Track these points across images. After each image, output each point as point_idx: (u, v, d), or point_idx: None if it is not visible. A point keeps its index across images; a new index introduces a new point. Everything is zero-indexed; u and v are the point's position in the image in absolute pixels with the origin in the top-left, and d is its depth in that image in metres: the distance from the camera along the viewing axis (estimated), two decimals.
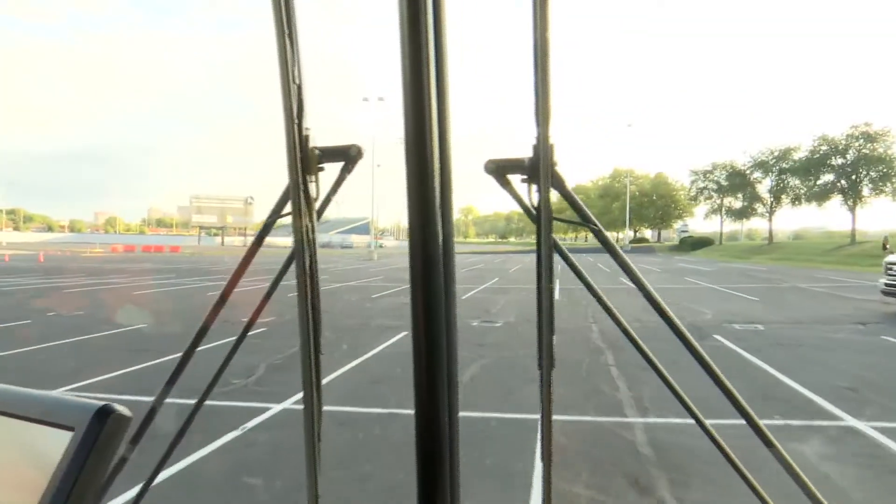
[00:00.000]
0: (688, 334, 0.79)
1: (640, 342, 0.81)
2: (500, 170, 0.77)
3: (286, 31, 0.72)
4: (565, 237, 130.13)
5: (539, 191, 0.73)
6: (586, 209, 0.78)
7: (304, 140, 0.77)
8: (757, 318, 12.30)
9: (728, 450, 0.80)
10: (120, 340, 9.68)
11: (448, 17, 0.70)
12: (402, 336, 9.91)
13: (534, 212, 0.74)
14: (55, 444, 0.64)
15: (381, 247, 64.55)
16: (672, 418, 5.39)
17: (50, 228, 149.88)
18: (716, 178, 69.15)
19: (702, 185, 71.14)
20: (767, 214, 63.37)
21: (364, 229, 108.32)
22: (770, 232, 63.87)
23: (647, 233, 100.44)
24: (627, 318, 0.81)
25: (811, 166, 54.87)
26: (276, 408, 5.82)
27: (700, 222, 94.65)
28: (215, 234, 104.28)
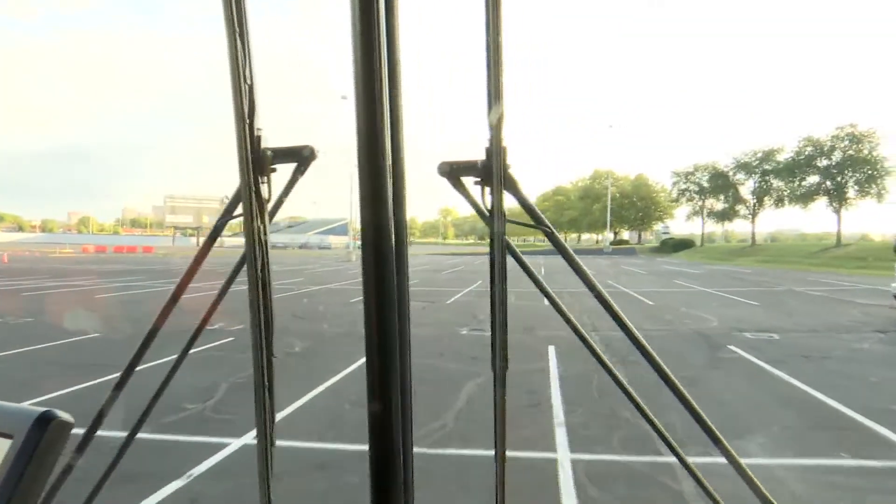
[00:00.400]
0: (644, 341, 0.77)
1: (597, 349, 0.79)
2: (453, 172, 0.77)
3: (237, 31, 0.70)
4: (544, 238, 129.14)
5: (492, 193, 0.74)
6: (538, 211, 0.78)
7: (255, 141, 0.75)
8: (767, 326, 11.48)
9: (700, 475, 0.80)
10: (65, 352, 8.49)
11: (401, 18, 0.69)
12: None
13: (487, 214, 0.75)
14: None
15: (359, 247, 62.96)
16: (721, 458, 4.44)
17: (21, 228, 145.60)
18: (697, 180, 69.00)
19: (683, 186, 70.96)
20: (750, 216, 63.30)
21: (342, 230, 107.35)
22: (753, 234, 63.83)
23: (625, 234, 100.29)
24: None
25: (796, 168, 54.70)
26: (234, 444, 4.76)
27: (680, 224, 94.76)
28: (191, 235, 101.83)
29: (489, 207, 0.75)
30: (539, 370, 7.48)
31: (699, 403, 0.76)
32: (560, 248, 0.80)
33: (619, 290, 20.03)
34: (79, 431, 0.73)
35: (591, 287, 0.79)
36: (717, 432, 0.77)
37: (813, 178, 53.96)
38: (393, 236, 0.71)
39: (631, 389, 0.80)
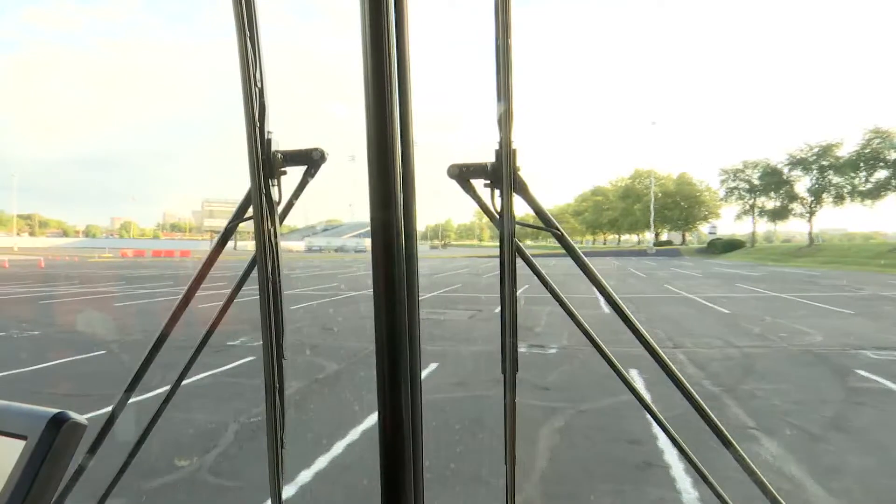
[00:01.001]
0: (657, 347, 0.78)
1: (610, 355, 0.79)
2: (462, 174, 0.77)
3: (247, 34, 0.70)
4: (581, 240, 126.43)
5: (501, 195, 0.74)
6: (548, 213, 0.78)
7: (266, 144, 0.75)
8: (887, 342, 9.55)
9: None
10: (61, 375, 7.20)
11: (410, 21, 0.70)
12: (434, 368, 7.37)
13: (497, 216, 0.75)
14: (7, 453, 0.62)
15: None
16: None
17: (65, 233, 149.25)
18: (747, 178, 65.49)
19: (732, 184, 67.42)
20: (807, 215, 59.57)
21: None
22: (810, 234, 60.10)
23: (665, 235, 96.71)
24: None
25: (861, 161, 51.05)
26: None
27: (727, 224, 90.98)
28: (244, 239, 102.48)
29: (498, 210, 0.75)
30: (631, 405, 5.85)
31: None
32: (570, 251, 0.79)
33: (681, 295, 18.15)
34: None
35: (602, 290, 0.78)
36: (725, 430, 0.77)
37: (881, 173, 50.10)
38: (403, 237, 0.72)
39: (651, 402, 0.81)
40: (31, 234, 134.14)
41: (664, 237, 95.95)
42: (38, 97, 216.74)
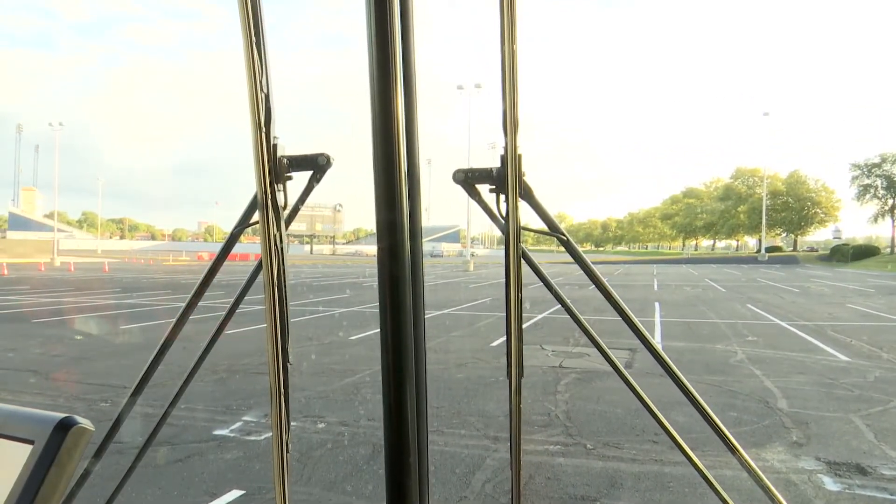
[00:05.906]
0: (667, 358, 0.76)
1: (615, 360, 0.77)
2: (468, 179, 0.76)
3: (253, 40, 0.70)
4: (670, 245, 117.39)
5: (507, 201, 0.73)
6: (554, 219, 0.78)
7: (272, 149, 0.75)
8: None
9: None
10: None
11: (416, 26, 0.70)
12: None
13: (502, 221, 0.75)
14: (14, 457, 0.62)
15: (473, 255, 56.83)
16: None
17: (153, 237, 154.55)
18: (885, 173, 56.21)
19: (866, 181, 58.10)
20: None
21: (454, 237, 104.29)
22: None
23: (754, 241, 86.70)
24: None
25: None
26: None
27: (851, 227, 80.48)
28: (306, 243, 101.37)
29: (504, 215, 0.74)
30: None
31: None
32: (576, 257, 0.78)
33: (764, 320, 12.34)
34: None
35: (609, 297, 0.76)
36: (731, 437, 0.75)
37: None
38: (408, 238, 0.72)
39: (648, 400, 0.77)
40: (122, 237, 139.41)
41: (768, 242, 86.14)
42: (136, 108, 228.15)
